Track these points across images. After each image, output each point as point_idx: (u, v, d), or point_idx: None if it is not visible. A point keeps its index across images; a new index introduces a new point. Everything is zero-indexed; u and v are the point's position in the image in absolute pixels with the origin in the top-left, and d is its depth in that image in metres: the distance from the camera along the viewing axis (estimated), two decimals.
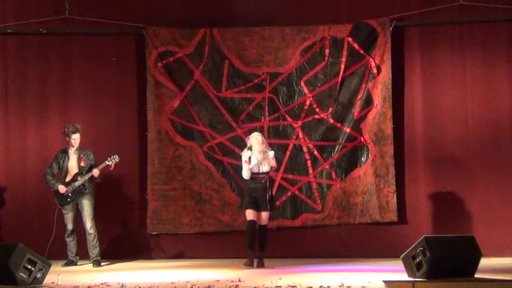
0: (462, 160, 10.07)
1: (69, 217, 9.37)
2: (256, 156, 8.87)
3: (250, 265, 8.76)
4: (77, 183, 9.29)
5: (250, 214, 8.86)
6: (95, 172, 9.29)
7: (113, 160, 9.41)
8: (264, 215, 8.89)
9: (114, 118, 10.43)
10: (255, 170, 8.91)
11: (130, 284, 6.99)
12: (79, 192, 9.32)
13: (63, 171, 9.41)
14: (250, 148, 8.89)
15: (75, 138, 9.41)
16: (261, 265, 8.80)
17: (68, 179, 9.37)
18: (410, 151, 10.20)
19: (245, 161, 8.88)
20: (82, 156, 9.42)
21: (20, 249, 6.83)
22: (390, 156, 10.10)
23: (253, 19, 10.36)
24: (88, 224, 9.31)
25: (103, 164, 9.36)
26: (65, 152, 9.46)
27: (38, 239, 9.42)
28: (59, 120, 10.32)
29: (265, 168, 8.93)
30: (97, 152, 9.97)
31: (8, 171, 10.30)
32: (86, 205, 9.33)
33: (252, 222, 8.84)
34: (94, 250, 9.35)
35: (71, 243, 9.44)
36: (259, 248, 8.92)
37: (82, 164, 9.40)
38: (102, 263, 9.36)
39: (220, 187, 10.28)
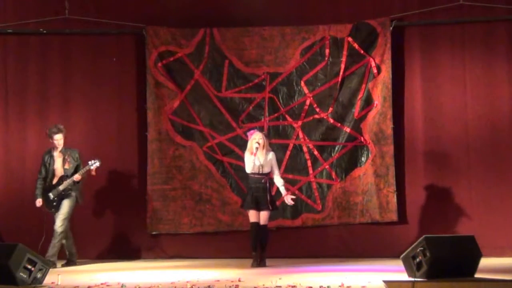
0: (462, 160, 10.07)
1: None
2: (259, 158, 8.93)
3: (256, 266, 8.83)
4: (61, 187, 9.22)
5: (252, 216, 8.95)
6: (76, 177, 9.20)
7: (94, 165, 9.27)
8: (264, 214, 8.94)
9: (114, 118, 10.44)
10: (256, 171, 8.96)
11: (130, 284, 6.99)
12: (64, 196, 9.24)
13: (50, 174, 9.33)
14: (258, 144, 8.91)
15: (58, 139, 9.28)
16: (262, 265, 8.87)
17: (54, 181, 9.31)
18: (410, 151, 10.20)
19: (253, 153, 8.92)
20: (66, 157, 9.30)
21: (20, 249, 6.82)
22: (390, 156, 10.10)
23: (253, 19, 10.36)
24: (58, 222, 9.14)
25: (85, 169, 9.25)
26: (50, 154, 9.36)
27: (38, 239, 9.41)
28: (59, 120, 10.28)
29: (265, 169, 9.00)
30: (97, 152, 9.98)
31: (8, 171, 10.30)
32: (64, 204, 9.19)
33: (255, 224, 8.94)
34: (51, 250, 9.13)
35: (67, 244, 9.34)
36: (260, 248, 8.97)
37: (67, 166, 9.28)
38: (58, 265, 9.22)
39: (220, 187, 10.28)
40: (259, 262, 8.90)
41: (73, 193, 9.27)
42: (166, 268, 8.91)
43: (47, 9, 10.41)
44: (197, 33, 10.38)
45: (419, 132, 10.20)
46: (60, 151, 9.34)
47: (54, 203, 9.26)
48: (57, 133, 9.27)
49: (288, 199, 9.07)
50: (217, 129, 10.35)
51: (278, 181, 9.08)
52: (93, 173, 9.34)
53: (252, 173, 8.99)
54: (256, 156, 8.94)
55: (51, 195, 9.28)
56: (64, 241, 9.32)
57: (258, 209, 8.93)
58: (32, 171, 10.10)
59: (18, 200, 10.23)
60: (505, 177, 9.94)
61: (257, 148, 8.92)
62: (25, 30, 10.38)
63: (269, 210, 8.97)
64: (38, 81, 10.39)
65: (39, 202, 9.30)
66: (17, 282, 6.70)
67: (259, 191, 8.94)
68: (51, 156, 9.34)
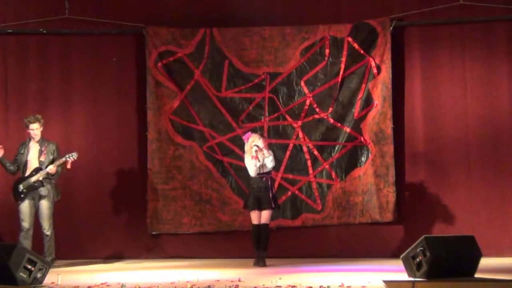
0: (462, 160, 10.07)
1: (24, 214, 8.96)
2: (258, 159, 8.99)
3: (257, 265, 8.92)
4: (32, 179, 8.90)
5: (254, 217, 9.05)
6: (51, 169, 8.88)
7: (71, 157, 8.94)
8: (265, 213, 9.01)
9: (114, 118, 10.43)
10: (258, 171, 9.05)
11: (130, 284, 6.99)
12: (35, 189, 8.93)
13: (22, 164, 9.00)
14: (257, 146, 8.98)
15: (34, 128, 8.97)
16: (262, 264, 8.92)
17: (27, 173, 8.99)
18: (410, 151, 10.20)
19: (253, 157, 8.98)
20: (43, 149, 8.98)
21: (20, 249, 6.83)
22: (390, 156, 10.10)
23: (253, 19, 10.37)
24: (45, 226, 8.95)
25: (61, 161, 8.93)
26: (26, 144, 9.06)
27: (37, 239, 9.40)
28: (59, 120, 10.32)
29: (266, 168, 9.06)
30: (97, 152, 10.02)
31: None
32: (45, 207, 8.96)
33: (256, 226, 9.04)
34: (48, 250, 8.98)
35: (25, 242, 8.84)
36: (261, 247, 9.03)
37: (42, 158, 8.97)
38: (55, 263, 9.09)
39: (220, 187, 10.28)
40: (260, 262, 8.95)
41: (47, 191, 8.95)
42: (166, 268, 8.91)
43: (47, 9, 10.41)
44: (197, 33, 10.38)
45: (419, 132, 10.20)
46: (37, 142, 9.04)
47: (22, 195, 8.94)
48: (33, 122, 8.98)
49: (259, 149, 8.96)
50: (217, 129, 10.35)
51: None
52: (69, 166, 8.97)
53: (254, 175, 9.07)
54: (257, 159, 9.02)
55: (20, 187, 8.98)
56: (24, 241, 8.90)
57: (260, 209, 9.01)
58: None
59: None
60: (505, 177, 9.94)
61: (256, 152, 8.97)
62: (25, 30, 10.37)
63: (271, 209, 9.04)
64: (38, 81, 10.39)
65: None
66: (17, 282, 6.70)
67: (260, 191, 9.02)
68: (27, 147, 9.03)
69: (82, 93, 10.43)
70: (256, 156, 9.01)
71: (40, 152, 9.01)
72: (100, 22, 10.39)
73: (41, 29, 10.37)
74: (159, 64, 10.31)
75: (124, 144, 10.37)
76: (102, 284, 7.11)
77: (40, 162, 9.00)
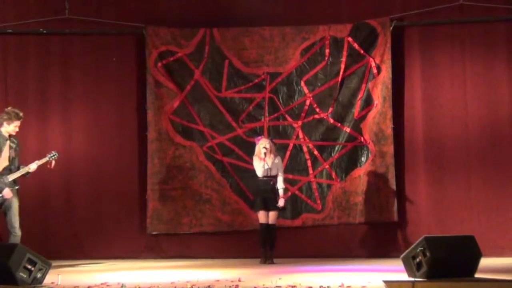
0: (462, 160, 10.07)
1: None
2: (267, 162, 9.24)
3: (264, 262, 9.13)
4: (12, 177, 8.54)
5: (262, 217, 9.26)
6: (34, 168, 8.60)
7: (53, 157, 8.71)
8: (272, 214, 9.26)
9: (114, 118, 10.43)
10: (265, 174, 9.27)
11: (130, 284, 6.98)
12: (10, 187, 8.52)
13: None
14: (265, 149, 9.23)
15: (18, 125, 8.58)
16: (270, 262, 9.16)
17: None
18: (410, 151, 10.20)
19: (262, 158, 9.24)
20: (13, 145, 8.58)
21: (20, 249, 6.81)
22: (390, 156, 10.10)
23: (253, 19, 10.37)
24: (16, 224, 8.50)
25: (43, 160, 8.67)
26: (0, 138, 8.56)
27: (38, 239, 9.40)
28: (59, 120, 10.33)
29: (273, 172, 9.31)
30: (97, 152, 10.02)
31: None
32: (16, 204, 8.52)
33: (265, 225, 9.25)
34: None
35: None
36: (269, 247, 9.25)
37: (13, 154, 8.60)
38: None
39: (220, 187, 10.28)
40: (268, 259, 9.17)
41: (17, 188, 8.58)
42: (166, 268, 8.91)
43: (47, 9, 10.40)
44: (197, 33, 10.38)
45: (419, 132, 10.20)
46: (8, 138, 8.59)
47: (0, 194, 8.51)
48: (20, 119, 8.58)
49: (280, 202, 9.33)
50: (217, 129, 10.35)
51: (279, 183, 9.37)
52: (51, 165, 8.72)
53: (261, 176, 9.29)
54: (265, 161, 9.23)
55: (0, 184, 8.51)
56: None
57: (267, 209, 9.23)
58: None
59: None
60: (505, 177, 9.94)
61: (265, 154, 9.22)
62: (25, 30, 10.37)
63: (277, 210, 9.29)
64: (38, 81, 10.39)
65: (9, 193, 8.48)
66: (17, 282, 6.69)
67: (267, 193, 9.26)
68: (4, 141, 8.55)
69: (82, 93, 10.43)
70: (264, 158, 9.22)
71: (11, 148, 8.59)
72: (100, 22, 10.39)
73: (41, 29, 10.37)
74: (159, 64, 10.31)
75: (124, 144, 10.37)
76: (102, 284, 7.10)
77: (12, 160, 8.62)
